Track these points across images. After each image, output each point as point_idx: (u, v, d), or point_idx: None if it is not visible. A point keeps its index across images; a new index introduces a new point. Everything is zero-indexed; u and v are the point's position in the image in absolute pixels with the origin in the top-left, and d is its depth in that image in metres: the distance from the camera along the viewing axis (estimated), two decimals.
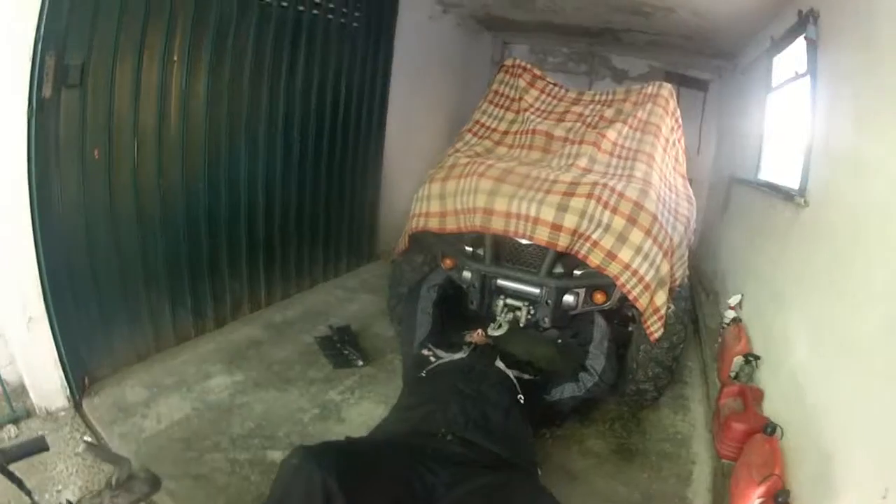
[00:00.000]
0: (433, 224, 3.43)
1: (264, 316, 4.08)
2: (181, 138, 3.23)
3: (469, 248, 3.36)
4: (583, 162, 3.46)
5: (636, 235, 2.99)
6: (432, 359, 2.96)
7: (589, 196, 3.01)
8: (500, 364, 2.92)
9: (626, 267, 2.98)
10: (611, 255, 2.98)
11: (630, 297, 3.03)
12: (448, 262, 3.42)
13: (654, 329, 3.08)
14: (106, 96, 2.78)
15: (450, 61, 6.75)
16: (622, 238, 2.98)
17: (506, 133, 4.04)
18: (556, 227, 3.01)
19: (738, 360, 3.56)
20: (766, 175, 4.61)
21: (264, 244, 4.02)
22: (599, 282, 3.12)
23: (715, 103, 7.40)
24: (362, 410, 3.14)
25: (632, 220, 3.01)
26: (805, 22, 3.46)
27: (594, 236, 3.01)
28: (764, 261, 3.96)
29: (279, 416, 2.98)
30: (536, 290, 3.19)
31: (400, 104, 5.46)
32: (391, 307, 3.95)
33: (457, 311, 3.58)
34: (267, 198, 3.94)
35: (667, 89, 3.94)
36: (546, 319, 3.17)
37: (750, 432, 2.83)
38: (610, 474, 2.87)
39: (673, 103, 3.95)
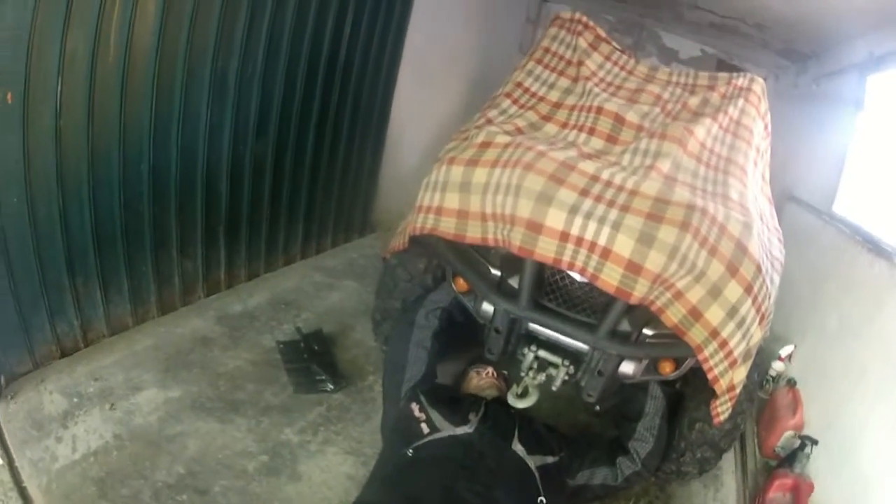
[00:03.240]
0: (447, 227, 2.60)
1: (221, 302, 3.48)
2: (120, 74, 2.52)
3: (496, 273, 2.59)
4: (666, 165, 2.67)
5: (733, 291, 2.30)
6: (424, 426, 2.39)
7: (684, 226, 2.26)
8: (518, 448, 2.39)
9: (714, 334, 2.29)
10: (695, 314, 2.28)
11: (709, 376, 2.37)
12: (461, 285, 2.71)
13: (723, 410, 2.51)
14: (22, 15, 2.12)
15: (478, 15, 6.06)
16: (715, 291, 2.29)
17: (558, 105, 3.17)
18: (634, 269, 2.27)
19: (789, 435, 3.15)
20: (844, 210, 4.09)
21: (227, 213, 3.37)
22: (676, 352, 2.46)
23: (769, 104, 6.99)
24: (325, 464, 2.61)
25: (732, 269, 2.30)
26: None
27: (679, 285, 2.29)
28: (834, 316, 3.48)
29: (217, 462, 2.48)
30: (583, 346, 2.51)
31: (415, 56, 4.76)
32: (376, 322, 3.29)
33: (463, 338, 2.97)
34: (234, 155, 3.25)
35: (760, 85, 3.31)
36: (594, 393, 2.53)
37: None
38: None
39: (765, 104, 3.30)
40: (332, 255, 4.45)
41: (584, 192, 2.36)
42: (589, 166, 2.49)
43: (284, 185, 3.75)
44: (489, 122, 2.98)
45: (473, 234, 2.54)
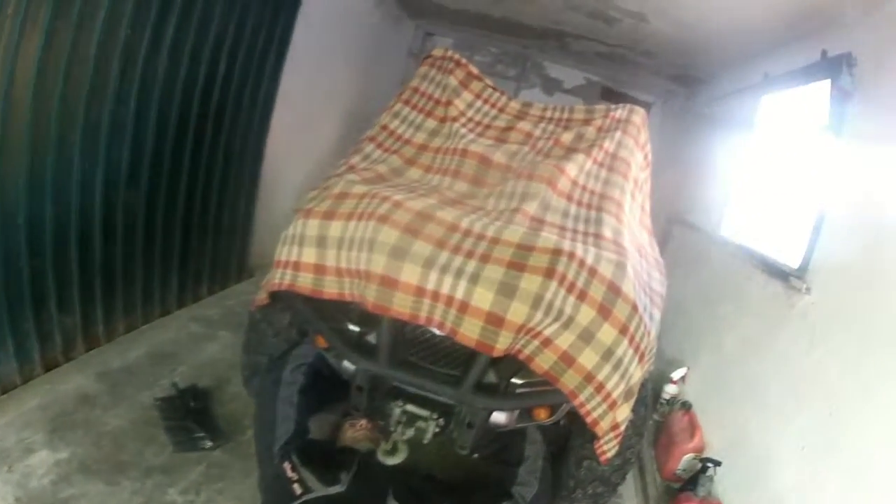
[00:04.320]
0: (304, 282, 2.59)
1: (101, 357, 3.46)
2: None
3: (354, 329, 2.54)
4: (532, 207, 2.74)
5: (607, 334, 2.30)
6: (296, 487, 2.38)
7: (548, 273, 2.28)
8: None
9: (588, 378, 2.29)
10: (567, 359, 2.28)
11: (587, 420, 2.37)
12: (322, 342, 2.65)
13: (608, 448, 2.51)
14: None
15: (358, 51, 6.25)
16: (586, 336, 2.29)
17: (423, 148, 3.23)
18: (495, 321, 2.25)
19: (689, 458, 3.30)
20: (731, 233, 4.33)
21: (102, 266, 3.37)
22: (548, 399, 2.46)
23: (654, 130, 7.25)
24: None
25: (604, 312, 2.31)
26: (835, 68, 3.11)
27: (547, 332, 2.29)
28: (730, 337, 3.66)
29: None
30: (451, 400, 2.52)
31: (290, 96, 4.85)
32: (246, 378, 3.26)
33: (336, 388, 2.89)
34: (107, 205, 3.25)
35: (640, 115, 3.42)
36: (465, 445, 2.49)
37: None
38: None
39: (645, 134, 3.41)
40: (208, 303, 4.50)
41: (441, 244, 2.39)
42: (448, 214, 2.53)
43: (157, 234, 3.77)
44: (351, 168, 3.02)
45: (330, 289, 2.56)
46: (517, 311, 2.25)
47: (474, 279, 2.28)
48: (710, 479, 3.08)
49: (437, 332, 2.48)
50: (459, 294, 2.28)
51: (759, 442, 3.01)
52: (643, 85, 7.13)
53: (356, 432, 2.96)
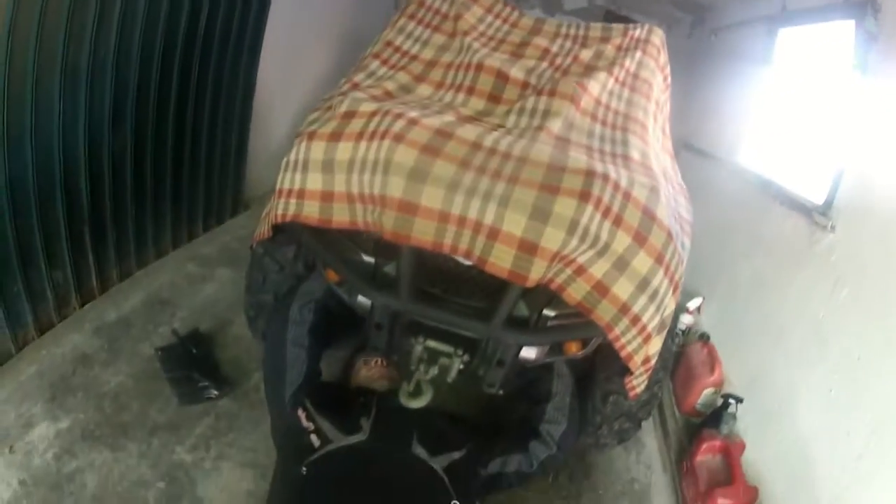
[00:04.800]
0: (310, 212, 2.33)
1: (97, 311, 3.30)
2: None
3: (370, 260, 2.34)
4: (556, 126, 2.47)
5: (642, 262, 2.13)
6: (314, 438, 2.19)
7: (583, 197, 2.04)
8: (419, 450, 2.20)
9: (624, 310, 2.14)
10: (601, 289, 2.11)
11: (621, 354, 2.24)
12: (333, 275, 2.46)
13: (638, 384, 2.43)
14: None
15: None
16: (621, 264, 2.11)
17: (432, 64, 2.93)
18: (529, 248, 2.03)
19: (709, 392, 3.25)
20: (746, 161, 4.14)
21: (91, 214, 3.17)
22: (583, 333, 2.31)
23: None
24: (224, 482, 2.55)
25: (640, 239, 2.12)
26: (860, 11, 2.98)
27: (581, 260, 2.10)
28: (745, 270, 3.54)
29: (118, 497, 2.38)
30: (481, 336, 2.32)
31: (280, 22, 4.53)
32: (250, 319, 3.09)
33: (346, 324, 2.73)
34: (91, 150, 3.03)
35: (659, 36, 3.19)
36: (494, 383, 2.38)
37: None
38: None
39: (664, 56, 3.19)
40: (204, 241, 4.32)
41: (465, 164, 2.12)
42: (469, 132, 2.26)
43: (147, 174, 3.56)
44: (355, 86, 2.72)
45: (340, 218, 2.30)
46: (552, 238, 2.02)
47: (504, 202, 2.04)
48: (733, 416, 3.02)
49: (462, 261, 2.28)
50: (489, 219, 2.05)
51: (782, 381, 2.95)
52: (648, 10, 6.84)
53: (370, 371, 2.74)
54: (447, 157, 2.12)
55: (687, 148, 5.20)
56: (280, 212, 2.41)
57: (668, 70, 3.23)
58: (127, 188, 3.43)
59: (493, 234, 2.05)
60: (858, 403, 2.47)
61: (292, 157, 2.38)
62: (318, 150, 2.29)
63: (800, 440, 2.71)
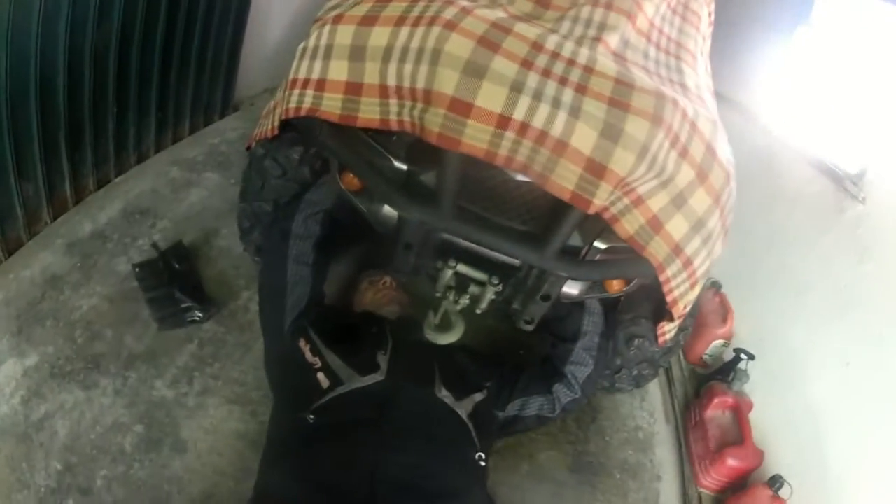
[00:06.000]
0: (331, 106, 1.96)
1: (69, 225, 3.00)
2: None
3: (401, 167, 2.02)
4: (613, 41, 2.12)
5: (701, 201, 1.93)
6: (321, 377, 1.95)
7: (656, 119, 1.75)
8: (444, 394, 2.01)
9: (676, 251, 1.95)
10: (655, 224, 1.90)
11: (668, 299, 2.07)
12: (352, 182, 2.14)
13: (669, 330, 2.31)
14: None
15: None
16: (680, 200, 1.90)
17: None
18: (596, 170, 1.75)
19: (718, 344, 3.16)
20: (776, 115, 3.81)
21: (67, 115, 2.80)
22: (637, 271, 2.07)
23: None
24: (208, 424, 2.34)
25: (701, 175, 1.91)
26: None
27: (640, 190, 1.86)
28: (764, 223, 3.33)
29: (92, 446, 2.19)
30: (516, 260, 2.07)
31: None
32: (244, 231, 2.77)
33: (349, 234, 2.53)
34: (71, 46, 2.65)
35: None
36: (533, 319, 2.17)
37: (746, 473, 2.61)
38: None
39: None
40: (190, 143, 3.91)
41: (527, 64, 1.76)
42: (529, 31, 1.86)
43: (132, 70, 3.14)
44: None
45: (369, 114, 1.93)
46: (622, 161, 1.74)
47: (575, 112, 1.73)
48: (746, 374, 2.91)
49: (513, 175, 1.99)
50: (557, 130, 1.73)
51: (796, 344, 2.85)
52: None
53: (378, 293, 2.51)
54: (507, 53, 1.75)
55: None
56: (293, 104, 2.04)
57: (713, 6, 2.95)
58: (109, 86, 3.05)
59: (560, 147, 1.75)
60: (875, 382, 2.40)
61: (311, 42, 2.01)
62: (345, 34, 1.92)
63: (810, 410, 2.65)
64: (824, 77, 3.58)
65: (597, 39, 2.06)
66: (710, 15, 2.91)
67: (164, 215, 3.26)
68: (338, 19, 1.95)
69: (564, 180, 1.78)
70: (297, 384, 2.03)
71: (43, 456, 2.17)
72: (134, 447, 2.25)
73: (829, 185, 2.96)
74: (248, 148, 2.61)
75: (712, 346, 3.18)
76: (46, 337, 2.51)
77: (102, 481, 2.14)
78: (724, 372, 3.02)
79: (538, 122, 1.72)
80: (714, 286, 3.36)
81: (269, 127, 2.25)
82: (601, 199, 1.78)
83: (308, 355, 2.04)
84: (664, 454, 2.89)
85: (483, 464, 1.96)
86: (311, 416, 1.86)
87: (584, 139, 1.72)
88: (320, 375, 1.96)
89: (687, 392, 3.19)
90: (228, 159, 3.76)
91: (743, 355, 2.94)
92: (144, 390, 2.42)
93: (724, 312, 3.22)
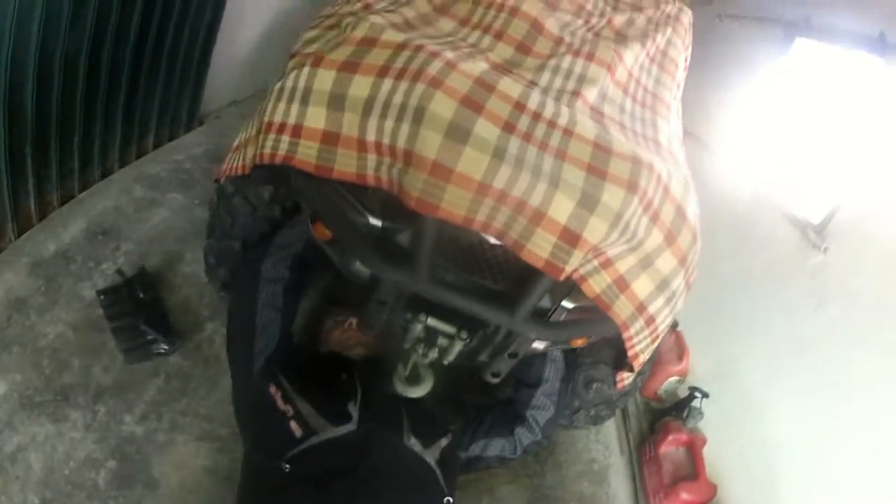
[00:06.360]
0: (307, 155, 1.88)
1: (33, 243, 2.92)
2: None
3: (376, 223, 1.96)
4: (592, 94, 2.14)
5: (667, 262, 1.94)
6: (294, 426, 1.92)
7: (631, 187, 1.76)
8: (412, 442, 2.01)
9: (640, 309, 1.95)
10: (621, 284, 1.90)
11: (629, 353, 2.07)
12: (324, 232, 2.07)
13: (628, 376, 2.39)
14: None
15: None
16: (647, 262, 1.92)
17: None
18: (571, 238, 1.75)
19: (673, 380, 3.24)
20: (746, 158, 3.93)
21: (34, 127, 2.70)
22: (603, 330, 2.08)
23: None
24: (178, 460, 2.35)
25: (670, 238, 1.92)
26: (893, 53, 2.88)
27: (610, 253, 1.87)
28: (729, 267, 3.42)
29: (66, 480, 2.19)
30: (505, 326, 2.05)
31: None
32: (210, 266, 2.71)
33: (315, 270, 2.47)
34: (42, 54, 2.55)
35: (688, 17, 2.92)
36: (501, 374, 2.16)
37: None
38: None
39: (690, 37, 2.93)
40: (154, 158, 3.84)
41: (509, 128, 1.74)
42: (511, 88, 1.83)
43: (102, 78, 3.06)
44: (367, 7, 2.22)
45: (345, 167, 1.86)
46: (596, 229, 1.74)
47: (555, 182, 1.72)
48: (700, 412, 3.02)
49: (488, 239, 1.95)
50: (535, 200, 1.72)
51: (752, 383, 2.95)
52: None
53: (344, 335, 2.46)
54: (490, 115, 1.73)
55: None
56: (268, 150, 1.96)
57: (689, 52, 2.98)
58: (77, 97, 2.96)
59: (537, 217, 1.73)
60: (827, 423, 2.50)
61: (289, 83, 1.93)
62: (325, 79, 1.85)
63: (765, 446, 2.73)
64: (794, 124, 3.74)
65: (576, 94, 2.08)
66: (686, 60, 2.96)
67: (128, 237, 3.19)
68: (317, 61, 1.89)
69: (539, 249, 1.76)
70: (269, 429, 2.00)
71: (19, 489, 2.15)
72: (107, 483, 2.23)
73: (794, 232, 3.04)
74: (217, 181, 2.49)
75: (667, 383, 3.26)
76: (13, 364, 2.46)
77: None
78: (679, 408, 3.12)
79: (518, 191, 1.72)
80: (671, 326, 3.37)
81: (241, 164, 2.14)
82: (572, 266, 1.79)
83: (280, 402, 2.00)
84: (619, 486, 2.99)
85: None
86: (287, 465, 1.85)
87: (562, 209, 1.73)
88: (293, 424, 1.93)
89: (641, 425, 3.28)
90: (192, 177, 3.70)
91: (697, 393, 3.05)
92: (114, 425, 2.39)
93: (680, 350, 3.30)
